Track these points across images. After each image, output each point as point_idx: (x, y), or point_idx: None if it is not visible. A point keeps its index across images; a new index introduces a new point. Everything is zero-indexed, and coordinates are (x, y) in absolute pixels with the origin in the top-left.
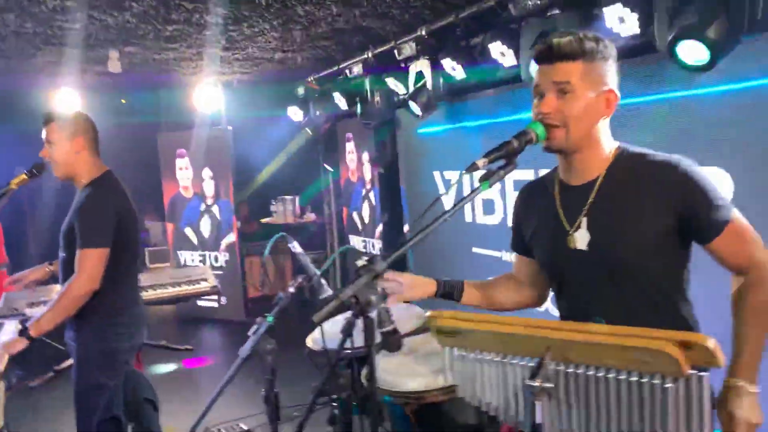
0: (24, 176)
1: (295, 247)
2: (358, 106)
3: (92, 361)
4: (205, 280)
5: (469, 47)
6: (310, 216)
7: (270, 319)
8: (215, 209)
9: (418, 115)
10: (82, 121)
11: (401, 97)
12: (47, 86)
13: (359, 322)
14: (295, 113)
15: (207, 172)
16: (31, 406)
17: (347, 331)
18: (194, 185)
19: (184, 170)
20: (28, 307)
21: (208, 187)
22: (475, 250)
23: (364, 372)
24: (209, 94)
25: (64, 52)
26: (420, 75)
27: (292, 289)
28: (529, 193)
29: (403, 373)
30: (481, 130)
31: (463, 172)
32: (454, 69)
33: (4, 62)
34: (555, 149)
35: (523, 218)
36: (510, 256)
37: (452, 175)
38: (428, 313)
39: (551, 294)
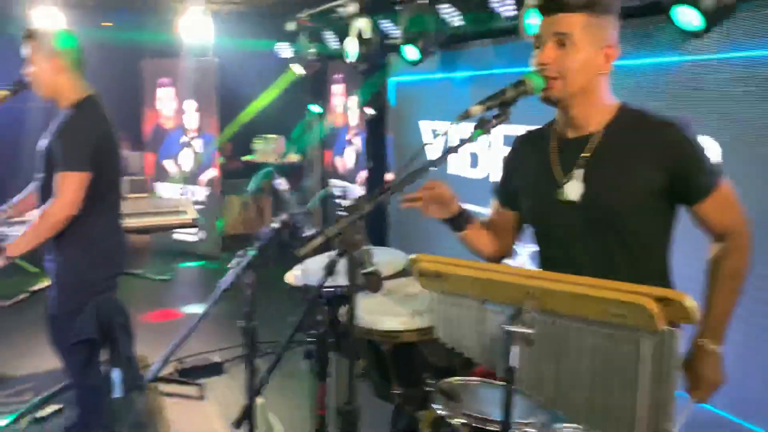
0: (5, 92)
1: (281, 184)
2: (350, 47)
3: (69, 287)
4: (185, 212)
5: None
6: (293, 156)
7: (251, 252)
8: (197, 143)
9: (411, 61)
10: (63, 40)
11: (396, 41)
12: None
13: (341, 261)
14: (283, 49)
15: (191, 104)
16: (3, 326)
17: (329, 268)
18: (176, 117)
19: (166, 100)
20: (5, 226)
21: (191, 120)
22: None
23: (342, 310)
24: (196, 22)
25: None
26: (417, 18)
27: (275, 225)
28: (523, 143)
29: (380, 313)
30: (474, 81)
31: (456, 119)
32: (451, 15)
33: None
34: (551, 101)
35: (514, 168)
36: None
37: (439, 126)
38: (412, 256)
39: (520, 251)
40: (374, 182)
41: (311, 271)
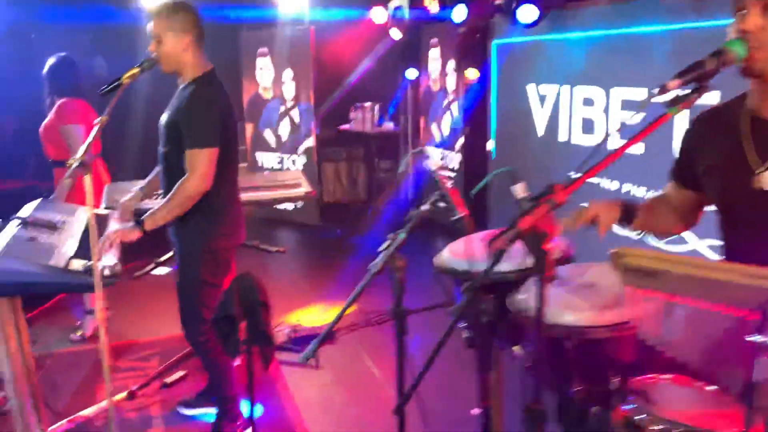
0: (135, 70)
1: (433, 163)
2: (457, 9)
3: (195, 258)
4: (300, 185)
5: None
6: (389, 125)
7: (402, 235)
8: (294, 113)
9: (524, 23)
10: (190, 16)
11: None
12: None
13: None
14: (378, 14)
15: (288, 74)
16: (129, 294)
17: (498, 256)
18: (274, 87)
19: (264, 70)
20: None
21: (289, 90)
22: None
23: (512, 298)
24: None
25: None
26: None
27: (426, 207)
28: (708, 121)
29: (560, 305)
30: (589, 42)
31: (654, 93)
32: None
33: None
34: (755, 73)
35: (696, 148)
36: (612, 184)
37: (548, 90)
38: (614, 250)
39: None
40: (472, 150)
41: (458, 254)
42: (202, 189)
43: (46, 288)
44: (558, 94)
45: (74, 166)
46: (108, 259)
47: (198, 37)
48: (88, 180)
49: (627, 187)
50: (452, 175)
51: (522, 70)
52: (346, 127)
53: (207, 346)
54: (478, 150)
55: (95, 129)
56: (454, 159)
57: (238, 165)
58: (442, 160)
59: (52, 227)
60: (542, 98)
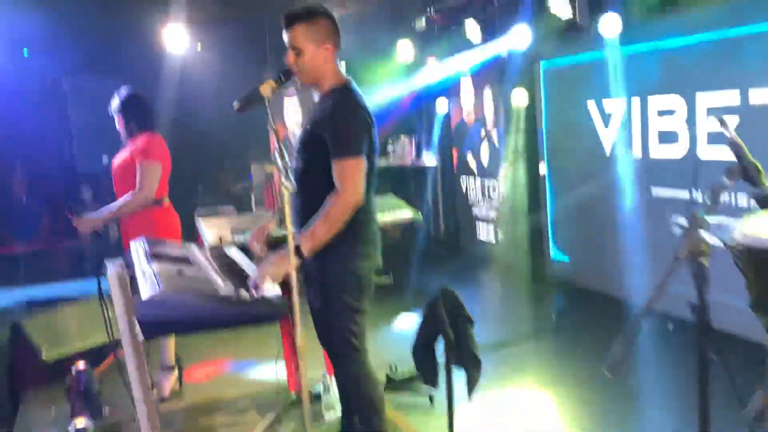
0: (272, 82)
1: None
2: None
3: (338, 282)
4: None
5: None
6: (430, 156)
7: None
8: None
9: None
10: (330, 23)
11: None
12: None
13: None
14: (406, 51)
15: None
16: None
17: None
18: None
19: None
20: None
21: None
22: (656, 191)
23: None
24: None
25: None
26: None
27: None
28: None
29: None
30: (652, 53)
31: None
32: None
33: None
34: None
35: None
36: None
37: (613, 105)
38: None
39: None
40: (517, 177)
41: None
42: (356, 201)
43: (238, 319)
44: (628, 108)
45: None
46: (274, 289)
47: (337, 45)
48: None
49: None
50: (496, 204)
51: (578, 86)
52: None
53: (360, 379)
54: (525, 175)
55: (278, 139)
56: (497, 187)
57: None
58: (482, 188)
59: (185, 261)
60: (607, 114)
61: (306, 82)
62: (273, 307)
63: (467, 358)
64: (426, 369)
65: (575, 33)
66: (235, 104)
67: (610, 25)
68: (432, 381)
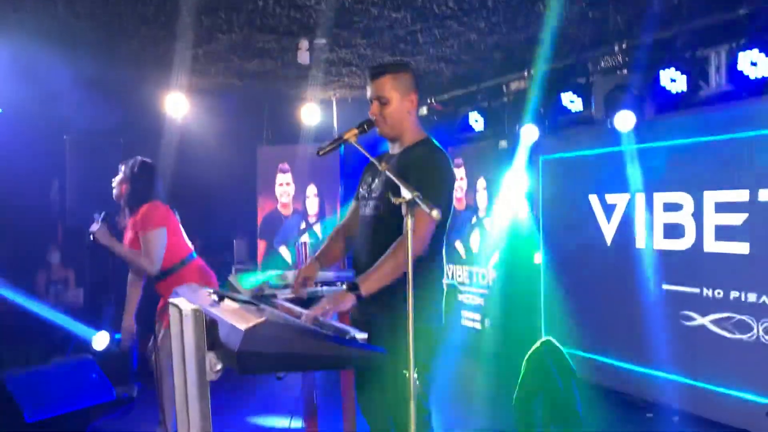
0: (355, 130)
1: None
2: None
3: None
4: None
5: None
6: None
7: None
8: (317, 227)
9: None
10: (413, 77)
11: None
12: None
13: None
14: None
15: (312, 189)
16: None
17: None
18: (295, 202)
19: (285, 186)
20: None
21: (312, 205)
22: (667, 287)
23: None
24: (317, 109)
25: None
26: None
27: None
28: None
29: None
30: (659, 150)
31: None
32: (673, 80)
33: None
34: None
35: None
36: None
37: (616, 199)
38: None
39: None
40: (508, 265)
41: None
42: (420, 251)
43: (338, 360)
44: (631, 202)
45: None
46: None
47: (418, 100)
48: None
49: (734, 294)
50: (485, 292)
51: (579, 180)
52: None
53: None
54: (517, 265)
55: (388, 173)
56: (487, 276)
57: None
58: (469, 278)
59: (253, 304)
60: (608, 207)
61: (387, 133)
62: (368, 351)
63: (570, 415)
64: (523, 426)
65: (580, 127)
66: (319, 149)
67: (623, 121)
68: None
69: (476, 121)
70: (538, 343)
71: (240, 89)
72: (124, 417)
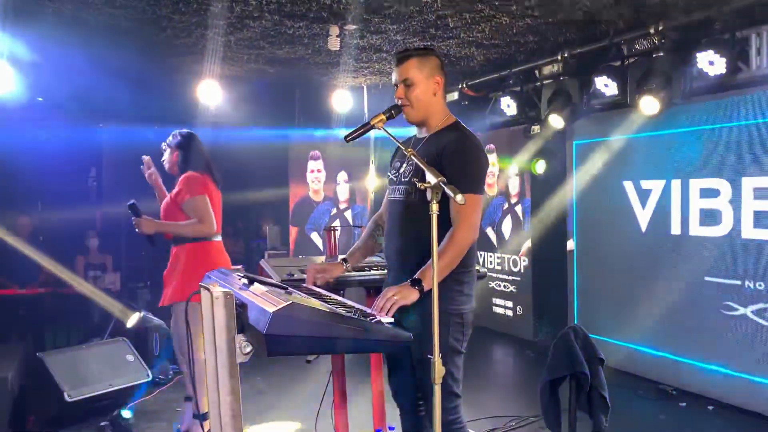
0: (383, 115)
1: None
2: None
3: (442, 324)
4: None
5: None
6: None
7: None
8: (348, 214)
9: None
10: (439, 60)
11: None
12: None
13: None
14: None
15: (342, 176)
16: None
17: None
18: (326, 189)
19: (316, 173)
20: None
21: (342, 191)
22: (710, 279)
23: None
24: (348, 96)
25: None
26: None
27: None
28: None
29: None
30: (695, 135)
31: None
32: (712, 63)
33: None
34: None
35: None
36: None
37: (653, 185)
38: None
39: None
40: (541, 252)
41: None
42: (473, 238)
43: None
44: (667, 189)
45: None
46: (388, 318)
47: (445, 81)
48: None
49: None
50: (517, 279)
51: (615, 166)
52: None
53: (456, 428)
54: (551, 252)
55: (414, 158)
56: (519, 263)
57: None
58: (500, 264)
59: (282, 288)
60: (643, 193)
61: (414, 116)
62: (395, 335)
63: (597, 402)
64: (550, 411)
65: (613, 112)
66: (347, 135)
67: (651, 104)
68: (554, 425)
69: (508, 106)
70: (565, 329)
71: (272, 76)
72: (159, 397)
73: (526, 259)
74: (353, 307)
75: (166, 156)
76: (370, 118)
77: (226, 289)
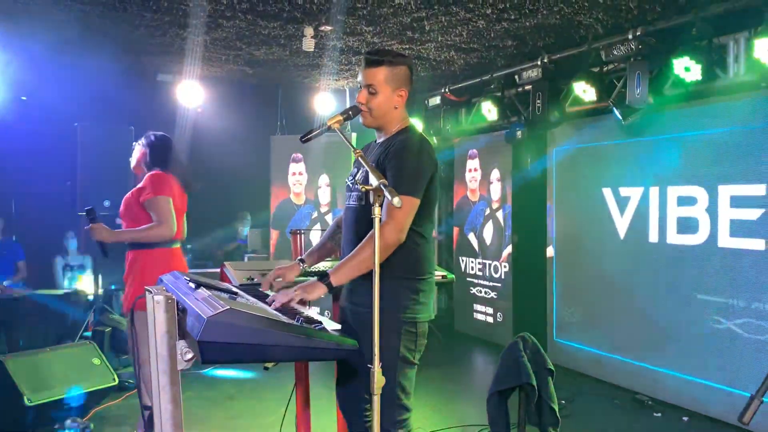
0: (340, 116)
1: None
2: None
3: (393, 332)
4: None
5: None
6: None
7: None
8: (329, 217)
9: (627, 121)
10: (409, 71)
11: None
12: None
13: None
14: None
15: (324, 179)
16: None
17: None
18: (308, 192)
19: (297, 175)
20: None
21: (324, 195)
22: (687, 289)
23: None
24: (330, 99)
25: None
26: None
27: None
28: None
29: None
30: (673, 143)
31: None
32: (688, 70)
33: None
34: None
35: None
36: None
37: (631, 192)
38: None
39: None
40: (521, 258)
41: None
42: (396, 239)
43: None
44: (645, 196)
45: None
46: (333, 324)
47: (409, 94)
48: None
49: (756, 304)
50: (498, 285)
51: (593, 172)
52: None
53: None
54: (530, 258)
55: (360, 159)
56: (499, 268)
57: (434, 222)
58: (481, 270)
59: (232, 292)
60: (622, 200)
61: (370, 123)
62: (343, 345)
63: (546, 414)
64: (498, 423)
65: (593, 118)
66: (302, 136)
67: (629, 111)
68: None
69: (489, 110)
70: (514, 338)
71: (253, 78)
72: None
73: (507, 265)
74: (301, 313)
75: (134, 153)
76: (328, 119)
77: (168, 294)
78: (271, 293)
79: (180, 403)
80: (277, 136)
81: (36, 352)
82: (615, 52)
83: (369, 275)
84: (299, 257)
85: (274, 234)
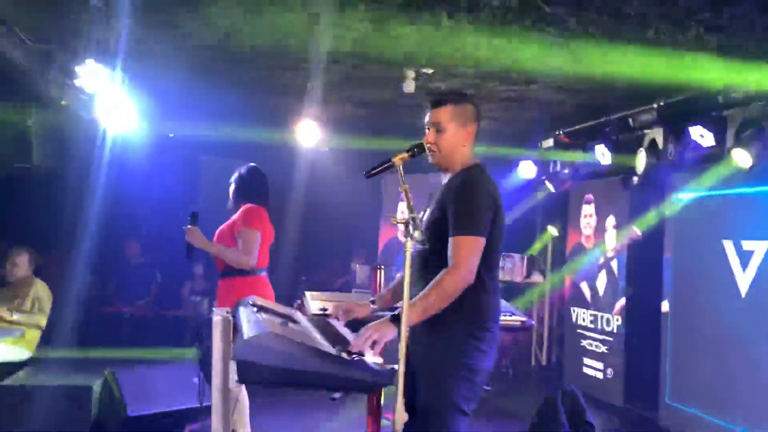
0: (405, 154)
1: None
2: (640, 159)
3: (450, 376)
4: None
5: None
6: (538, 277)
7: None
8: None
9: (743, 168)
10: (475, 109)
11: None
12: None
13: None
14: (527, 169)
15: None
16: None
17: None
18: None
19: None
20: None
21: None
22: None
23: None
24: None
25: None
26: (752, 120)
27: None
28: None
29: None
30: None
31: None
32: None
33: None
34: None
35: None
36: None
37: (754, 245)
38: None
39: None
40: (635, 311)
41: None
42: (466, 282)
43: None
44: None
45: None
46: (376, 359)
47: (477, 133)
48: None
49: None
50: (609, 339)
51: (713, 224)
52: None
53: None
54: (644, 311)
55: (404, 194)
56: (612, 322)
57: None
58: (593, 323)
59: (291, 319)
60: (746, 254)
61: (439, 161)
62: (376, 376)
63: None
64: None
65: (709, 165)
66: (366, 171)
67: (745, 156)
68: None
69: (603, 154)
70: (554, 391)
71: (367, 118)
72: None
73: (620, 318)
74: (347, 343)
75: (230, 188)
76: (392, 156)
77: (226, 315)
78: (334, 323)
79: (229, 421)
80: (388, 175)
81: (146, 366)
82: (735, 95)
83: (425, 321)
84: (371, 298)
85: (380, 271)
